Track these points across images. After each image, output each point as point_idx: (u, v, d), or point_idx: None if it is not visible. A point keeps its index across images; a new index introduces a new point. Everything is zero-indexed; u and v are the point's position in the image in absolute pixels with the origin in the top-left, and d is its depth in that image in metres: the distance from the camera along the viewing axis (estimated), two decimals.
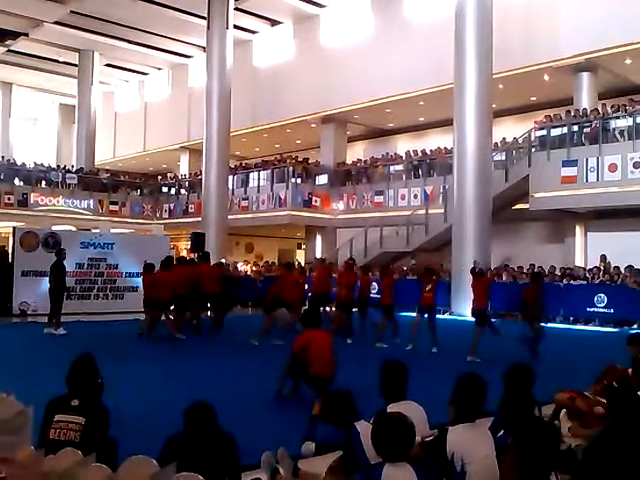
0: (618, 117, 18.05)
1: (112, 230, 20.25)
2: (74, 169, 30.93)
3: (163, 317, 12.79)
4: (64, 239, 17.03)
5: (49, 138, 42.12)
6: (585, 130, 18.60)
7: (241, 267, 24.85)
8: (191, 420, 3.46)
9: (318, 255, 27.17)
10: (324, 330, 7.79)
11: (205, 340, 12.79)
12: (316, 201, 26.34)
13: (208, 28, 25.03)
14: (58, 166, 31.53)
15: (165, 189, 33.18)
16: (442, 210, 21.17)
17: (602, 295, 16.08)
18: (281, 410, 6.79)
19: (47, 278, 13.44)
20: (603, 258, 17.65)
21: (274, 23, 28.95)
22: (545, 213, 19.86)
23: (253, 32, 29.80)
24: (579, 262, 19.51)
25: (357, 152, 29.28)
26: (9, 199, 26.65)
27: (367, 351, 10.89)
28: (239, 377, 8.66)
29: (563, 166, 18.15)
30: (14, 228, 17.66)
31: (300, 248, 31.03)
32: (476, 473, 3.28)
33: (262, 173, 27.93)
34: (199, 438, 3.40)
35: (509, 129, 22.21)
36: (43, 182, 28.56)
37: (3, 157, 29.91)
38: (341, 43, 26.43)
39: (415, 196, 23.51)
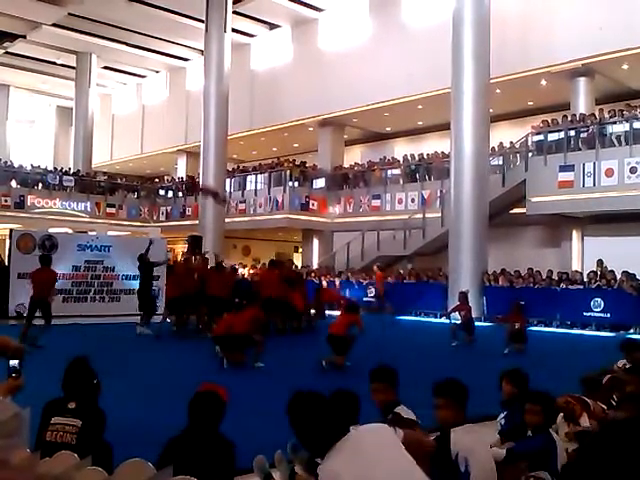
0: (615, 122, 18.10)
1: (109, 233, 20.24)
2: (71, 171, 30.89)
3: None
4: (61, 241, 17.01)
5: (46, 140, 42.04)
6: (582, 135, 18.64)
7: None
8: (196, 410, 3.43)
9: (315, 258, 27.16)
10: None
11: (203, 342, 12.74)
12: (313, 204, 26.32)
13: (206, 31, 25.02)
14: (55, 168, 31.45)
15: (162, 192, 33.15)
16: (439, 214, 21.17)
17: (599, 300, 16.08)
18: (277, 413, 6.76)
19: None
20: (600, 263, 17.65)
21: (272, 27, 28.99)
22: (542, 218, 19.89)
23: (251, 35, 29.84)
24: (576, 266, 19.51)
25: (354, 156, 29.25)
26: (6, 201, 26.59)
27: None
28: (236, 379, 8.63)
29: (560, 171, 18.18)
30: (11, 230, 17.62)
31: (297, 251, 31.01)
32: (479, 474, 3.29)
33: (259, 176, 27.90)
34: (201, 434, 3.37)
35: (506, 133, 22.22)
36: (40, 184, 28.49)
37: (0, 159, 29.85)
38: (339, 47, 26.46)
39: (412, 200, 23.50)
